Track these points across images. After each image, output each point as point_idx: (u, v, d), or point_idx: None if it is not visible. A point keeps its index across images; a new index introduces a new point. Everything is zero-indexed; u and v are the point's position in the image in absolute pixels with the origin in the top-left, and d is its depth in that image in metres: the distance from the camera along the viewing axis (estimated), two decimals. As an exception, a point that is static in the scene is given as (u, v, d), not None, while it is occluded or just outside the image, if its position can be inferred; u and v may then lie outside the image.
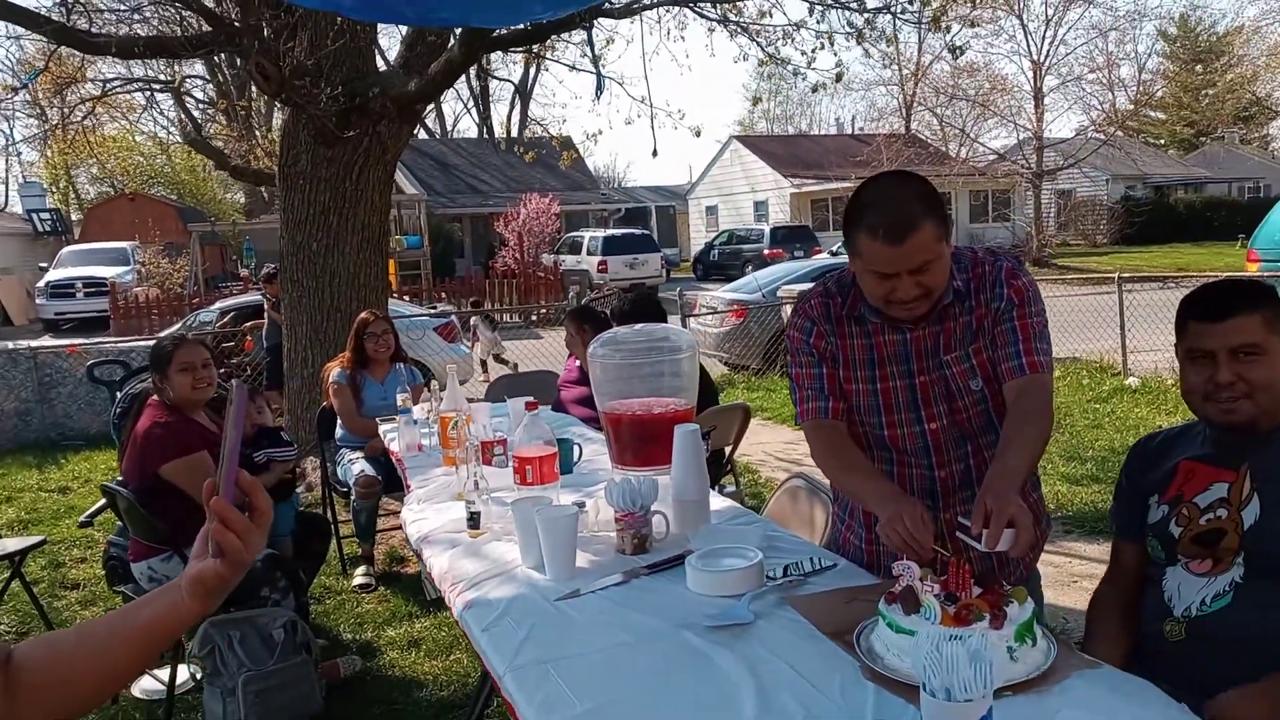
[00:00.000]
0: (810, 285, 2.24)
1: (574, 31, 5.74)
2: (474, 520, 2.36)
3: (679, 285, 19.91)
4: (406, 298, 17.23)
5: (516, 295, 19.42)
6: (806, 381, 2.10)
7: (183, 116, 18.69)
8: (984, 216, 33.96)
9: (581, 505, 2.34)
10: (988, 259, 2.04)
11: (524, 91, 40.08)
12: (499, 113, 43.24)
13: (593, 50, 4.94)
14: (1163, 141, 44.25)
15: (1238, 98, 30.89)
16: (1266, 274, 7.73)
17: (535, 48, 7.13)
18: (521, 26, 5.31)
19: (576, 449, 2.90)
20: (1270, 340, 1.78)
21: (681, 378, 2.51)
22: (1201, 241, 29.48)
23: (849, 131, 38.51)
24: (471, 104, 42.95)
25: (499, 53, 7.92)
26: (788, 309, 8.94)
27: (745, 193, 33.99)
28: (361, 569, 4.49)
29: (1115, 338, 8.65)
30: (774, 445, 6.92)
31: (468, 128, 41.81)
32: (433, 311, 9.59)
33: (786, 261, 16.42)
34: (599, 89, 4.82)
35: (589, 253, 22.79)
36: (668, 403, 2.46)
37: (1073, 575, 4.15)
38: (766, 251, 24.45)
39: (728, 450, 4.24)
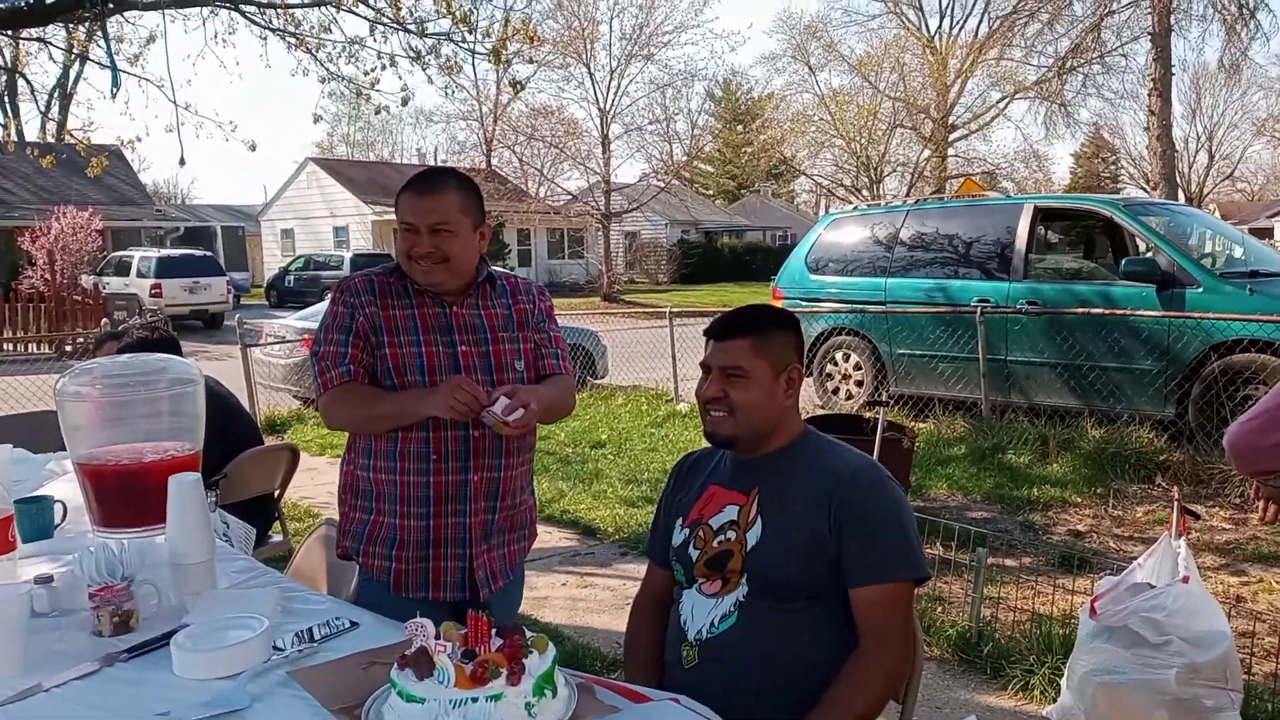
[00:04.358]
0: None
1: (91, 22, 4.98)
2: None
3: (248, 312, 18.51)
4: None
5: (46, 322, 16.84)
6: (329, 356, 2.12)
7: None
8: (561, 253, 35.70)
9: (50, 579, 1.91)
10: (517, 276, 2.35)
11: (65, 94, 35.33)
12: (33, 113, 37.52)
13: (106, 42, 4.29)
14: (711, 192, 49.68)
15: (769, 156, 35.40)
16: (789, 309, 8.77)
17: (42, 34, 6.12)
18: (11, 4, 4.48)
19: (60, 508, 2.39)
20: (757, 366, 1.88)
21: (184, 417, 2.16)
22: (743, 281, 33.36)
23: (431, 162, 38.54)
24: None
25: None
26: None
27: (324, 217, 32.62)
28: None
29: (669, 367, 9.34)
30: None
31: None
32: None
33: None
34: (114, 84, 4.19)
35: (139, 274, 20.37)
36: (165, 448, 2.10)
37: (627, 597, 4.26)
38: (347, 279, 23.50)
39: (276, 496, 3.85)
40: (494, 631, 1.50)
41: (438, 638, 1.45)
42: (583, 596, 4.33)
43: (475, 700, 1.32)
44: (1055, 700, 3.04)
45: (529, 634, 1.50)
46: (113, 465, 2.05)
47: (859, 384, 8.20)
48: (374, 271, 2.20)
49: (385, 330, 2.12)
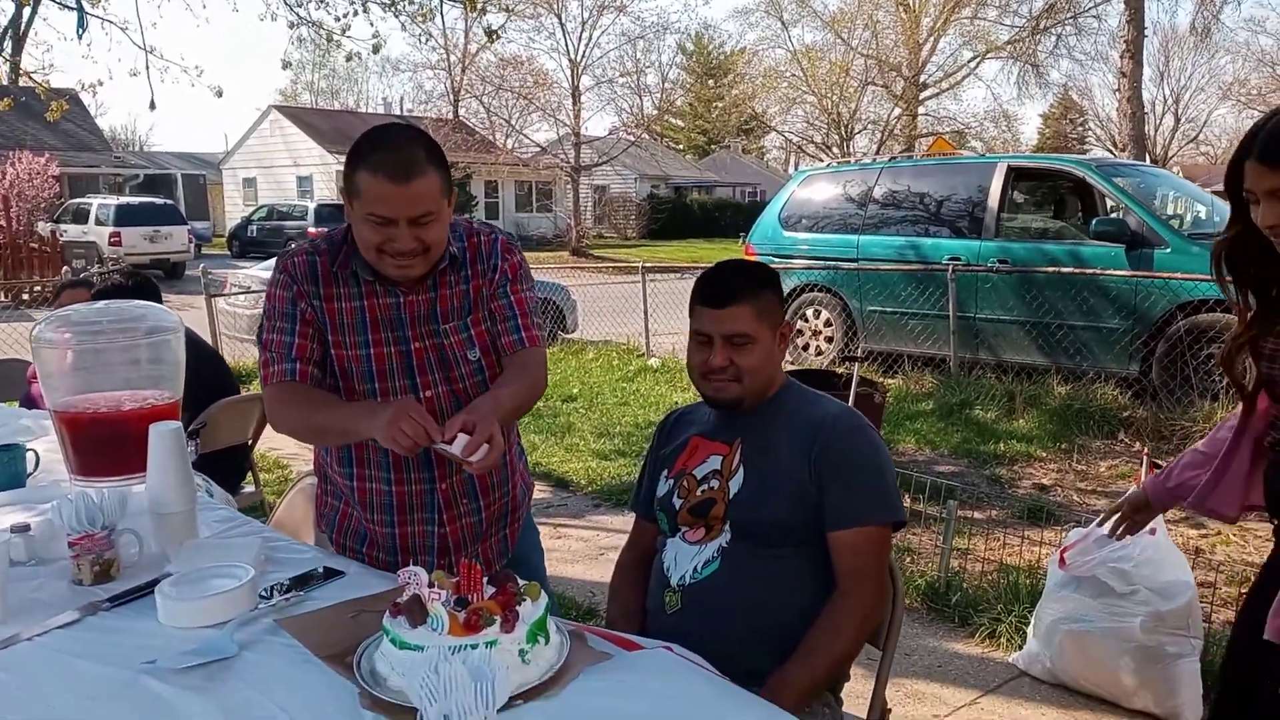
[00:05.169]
0: None
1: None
2: None
3: (211, 262, 18.19)
4: None
5: (2, 270, 16.50)
6: (275, 346, 1.89)
7: None
8: (529, 206, 35.37)
9: (26, 528, 1.89)
10: (483, 229, 2.00)
11: (17, 33, 34.21)
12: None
13: (71, -22, 4.14)
14: (681, 146, 49.33)
15: (740, 111, 35.18)
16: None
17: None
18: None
19: (32, 456, 2.36)
20: (760, 329, 1.88)
21: (164, 365, 2.13)
22: (712, 238, 33.30)
23: (397, 112, 37.88)
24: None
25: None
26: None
27: (288, 166, 32.06)
28: None
29: (640, 322, 9.35)
30: (310, 436, 6.46)
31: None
32: None
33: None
34: (80, 24, 4.05)
35: (98, 222, 19.94)
36: (144, 396, 2.07)
37: (600, 548, 4.33)
38: (311, 229, 23.23)
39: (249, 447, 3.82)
40: (486, 579, 1.50)
41: (430, 586, 1.45)
42: (556, 547, 4.35)
43: (475, 646, 1.32)
44: (1021, 647, 3.12)
45: (521, 581, 1.51)
46: (90, 413, 2.01)
47: (829, 340, 8.25)
48: (319, 248, 1.92)
49: (330, 328, 1.89)
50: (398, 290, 1.88)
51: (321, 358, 1.91)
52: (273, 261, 9.51)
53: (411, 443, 1.64)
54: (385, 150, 1.74)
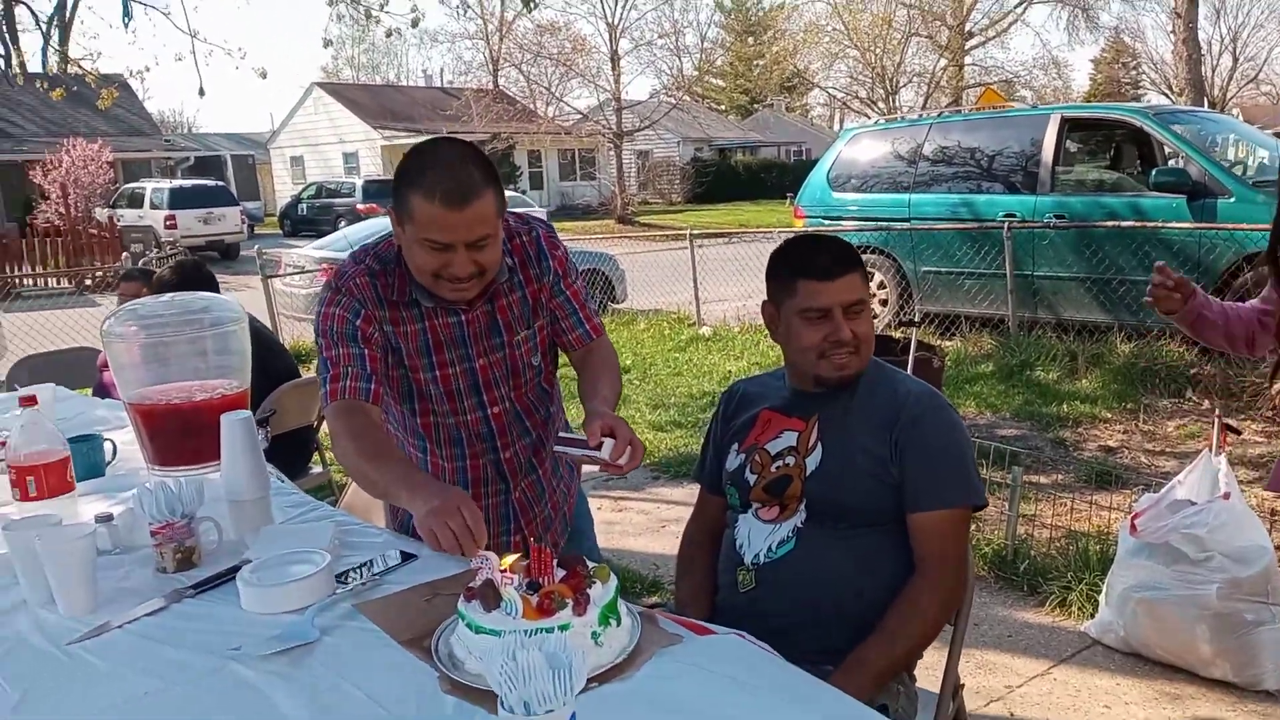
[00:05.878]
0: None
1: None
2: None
3: (264, 242, 18.49)
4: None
5: (65, 256, 16.91)
6: (347, 361, 1.85)
7: None
8: (572, 175, 35.33)
9: (110, 517, 1.94)
10: (521, 228, 1.96)
11: (63, 22, 34.76)
12: (32, 45, 37.00)
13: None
14: (723, 107, 48.81)
15: (782, 69, 34.69)
16: (811, 228, 8.68)
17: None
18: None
19: (109, 446, 2.42)
20: (865, 292, 1.86)
21: (230, 355, 2.17)
22: (758, 200, 32.97)
23: (438, 84, 37.99)
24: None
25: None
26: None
27: (333, 143, 32.34)
28: None
29: (690, 290, 9.30)
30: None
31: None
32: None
33: (381, 216, 15.82)
34: (126, 13, 4.11)
35: (153, 206, 20.39)
36: (214, 386, 2.11)
37: (661, 521, 4.34)
38: (359, 206, 23.48)
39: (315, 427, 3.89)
40: (556, 563, 1.51)
41: (502, 570, 1.47)
42: (617, 520, 4.38)
43: (550, 630, 1.34)
44: (1093, 616, 3.08)
45: (590, 564, 1.52)
46: (164, 404, 2.06)
47: (883, 303, 8.14)
48: (373, 269, 1.88)
49: (406, 353, 1.91)
50: (458, 309, 1.88)
51: (388, 378, 1.91)
52: (328, 240, 9.60)
53: (449, 548, 1.61)
54: (439, 171, 1.69)
